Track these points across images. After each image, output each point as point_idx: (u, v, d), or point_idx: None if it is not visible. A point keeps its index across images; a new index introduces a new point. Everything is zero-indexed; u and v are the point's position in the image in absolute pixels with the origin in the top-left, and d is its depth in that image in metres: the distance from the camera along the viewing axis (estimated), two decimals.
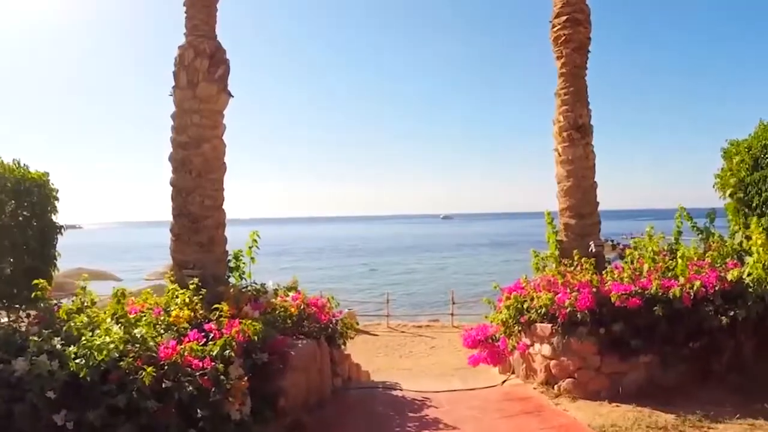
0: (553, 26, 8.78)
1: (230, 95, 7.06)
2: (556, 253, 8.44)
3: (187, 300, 5.96)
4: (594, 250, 8.22)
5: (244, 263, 6.95)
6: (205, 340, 5.15)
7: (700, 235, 8.20)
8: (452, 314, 22.77)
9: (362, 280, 46.27)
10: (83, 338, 4.42)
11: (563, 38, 8.67)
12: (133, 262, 54.56)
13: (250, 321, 5.07)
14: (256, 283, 6.73)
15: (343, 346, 8.00)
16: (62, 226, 8.05)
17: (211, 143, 6.80)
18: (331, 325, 7.27)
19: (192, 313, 5.81)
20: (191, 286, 6.12)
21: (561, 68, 8.78)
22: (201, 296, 6.09)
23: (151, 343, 4.71)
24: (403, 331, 22.14)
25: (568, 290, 7.03)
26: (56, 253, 7.98)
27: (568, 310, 6.75)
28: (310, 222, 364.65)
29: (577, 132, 8.54)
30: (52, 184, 8.05)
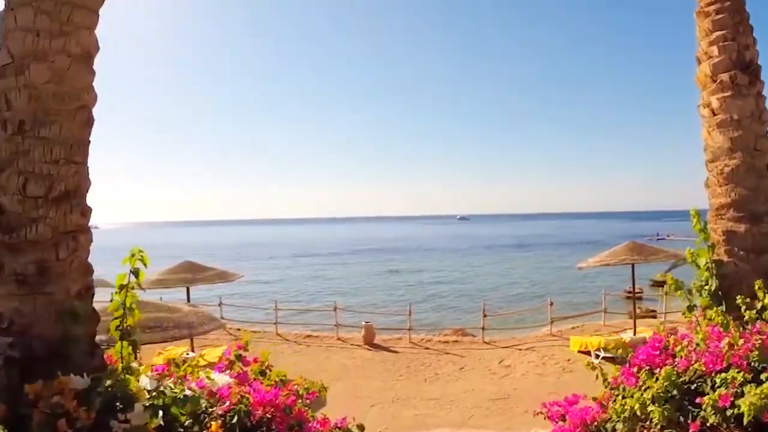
0: None
1: None
2: (714, 283, 4.52)
3: None
4: None
5: (130, 308, 2.99)
6: None
7: None
8: (483, 328, 18.93)
9: (383, 287, 41.92)
10: None
11: None
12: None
13: None
14: (131, 370, 2.80)
15: None
16: None
17: (52, 64, 3.03)
18: None
19: None
20: None
21: None
22: None
23: None
24: (427, 348, 18.47)
25: None
26: None
27: None
28: (328, 223, 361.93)
29: (743, 74, 4.64)
30: None
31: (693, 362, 3.69)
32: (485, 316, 19.05)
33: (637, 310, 17.53)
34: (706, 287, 4.52)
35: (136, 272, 2.85)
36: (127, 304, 2.82)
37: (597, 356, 14.77)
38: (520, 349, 17.26)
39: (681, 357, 3.83)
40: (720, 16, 4.77)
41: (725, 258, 4.60)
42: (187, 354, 15.86)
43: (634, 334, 15.68)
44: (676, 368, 3.70)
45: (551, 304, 19.30)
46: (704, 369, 3.60)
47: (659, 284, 27.18)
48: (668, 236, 78.29)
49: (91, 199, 3.22)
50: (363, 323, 19.26)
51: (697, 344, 3.93)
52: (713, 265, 4.56)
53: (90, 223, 3.14)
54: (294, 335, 20.18)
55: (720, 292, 4.46)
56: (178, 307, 12.27)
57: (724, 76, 4.65)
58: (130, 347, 3.01)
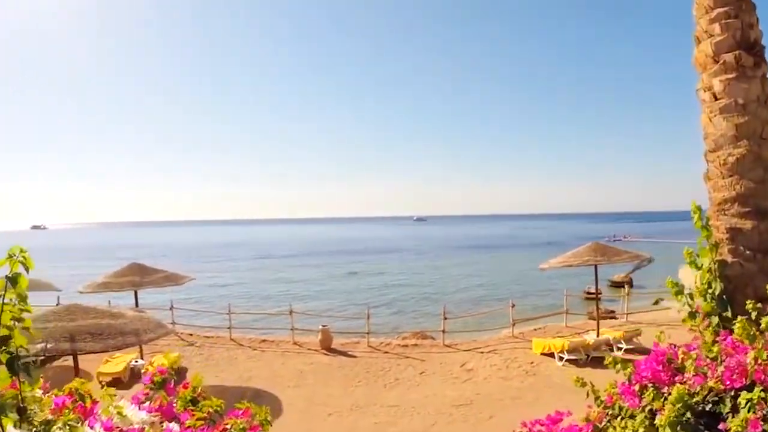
0: None
1: None
2: (718, 286, 4.01)
3: None
4: None
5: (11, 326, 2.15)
6: None
7: None
8: (444, 331, 18.42)
9: (340, 290, 40.93)
10: None
11: None
12: (86, 267, 48.21)
13: None
14: (5, 408, 2.07)
15: None
16: None
17: None
18: None
19: None
20: None
21: None
22: None
23: None
24: (386, 352, 17.84)
25: None
26: None
27: None
28: (285, 223, 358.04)
29: (747, 54, 4.17)
30: None
31: (707, 379, 3.16)
32: (445, 318, 18.54)
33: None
34: (710, 291, 4.01)
35: (14, 279, 2.07)
36: (6, 321, 2.06)
37: (561, 359, 14.44)
38: (482, 352, 16.82)
39: (691, 372, 3.30)
40: None
41: (729, 258, 4.11)
42: (136, 361, 14.86)
43: (598, 336, 15.43)
44: (688, 386, 3.16)
45: (513, 306, 18.93)
46: (722, 387, 3.08)
47: (618, 285, 27.25)
48: (624, 237, 79.31)
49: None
50: (320, 327, 18.57)
51: (706, 356, 3.41)
52: (716, 265, 4.06)
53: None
54: (248, 340, 19.33)
55: (725, 296, 3.96)
56: (122, 313, 11.37)
57: (728, 57, 4.16)
58: (22, 376, 2.28)
